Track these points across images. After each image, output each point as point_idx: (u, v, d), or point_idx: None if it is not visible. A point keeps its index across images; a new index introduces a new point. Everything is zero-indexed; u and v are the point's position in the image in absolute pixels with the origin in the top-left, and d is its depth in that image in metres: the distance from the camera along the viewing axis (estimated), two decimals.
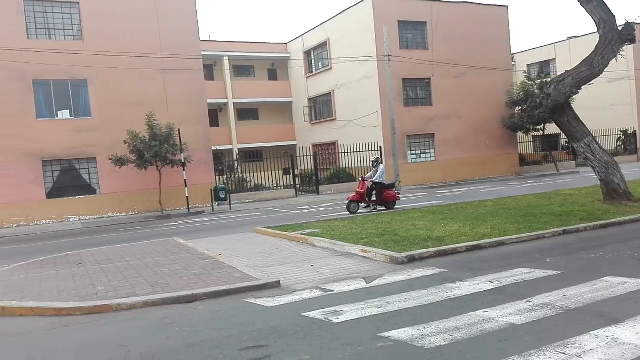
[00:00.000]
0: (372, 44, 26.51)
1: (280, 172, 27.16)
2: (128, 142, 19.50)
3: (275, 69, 36.22)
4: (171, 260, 9.02)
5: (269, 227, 12.62)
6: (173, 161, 20.29)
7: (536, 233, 9.37)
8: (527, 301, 5.41)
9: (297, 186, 26.20)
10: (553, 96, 12.96)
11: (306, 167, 27.17)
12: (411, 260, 7.88)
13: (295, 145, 33.20)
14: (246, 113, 34.96)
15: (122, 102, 21.22)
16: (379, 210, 15.34)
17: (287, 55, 35.04)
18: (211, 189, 21.95)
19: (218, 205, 22.18)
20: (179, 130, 20.45)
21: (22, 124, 19.91)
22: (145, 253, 10.15)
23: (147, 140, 19.53)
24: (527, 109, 28.47)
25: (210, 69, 31.92)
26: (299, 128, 34.83)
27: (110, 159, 19.68)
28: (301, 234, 11.00)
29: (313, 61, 33.31)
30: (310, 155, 27.11)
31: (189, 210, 21.03)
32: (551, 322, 4.74)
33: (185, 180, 20.94)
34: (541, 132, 30.66)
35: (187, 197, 21.11)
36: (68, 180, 21.05)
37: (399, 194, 16.56)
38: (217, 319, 5.63)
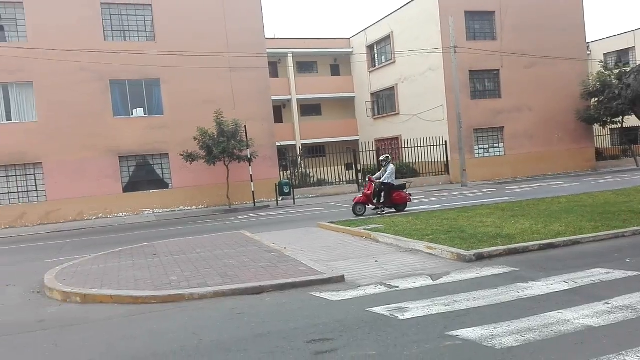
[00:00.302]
0: (437, 35, 25.93)
1: (343, 167, 27.23)
2: (198, 138, 20.27)
3: (338, 64, 36.28)
4: (239, 253, 9.29)
5: (332, 222, 12.70)
6: (240, 157, 20.87)
7: (615, 231, 8.84)
8: (605, 303, 5.13)
9: (360, 181, 26.14)
10: (633, 86, 12.10)
11: (369, 162, 27.06)
12: (479, 258, 7.67)
13: (357, 140, 33.14)
14: (309, 109, 35.28)
15: (192, 100, 22.06)
16: (386, 213, 14.48)
17: (350, 50, 34.99)
18: (276, 184, 22.38)
19: (282, 199, 22.58)
20: (245, 126, 21.00)
21: (100, 122, 21.17)
22: (214, 245, 10.52)
23: (216, 137, 20.21)
24: (604, 101, 26.87)
25: (274, 67, 32.48)
26: (361, 123, 34.72)
27: (181, 155, 20.53)
28: (364, 229, 10.99)
29: (376, 55, 33.05)
30: (373, 150, 26.95)
31: (254, 205, 21.55)
32: (631, 326, 4.47)
33: (251, 175, 21.49)
34: (619, 125, 28.81)
35: (252, 191, 21.66)
36: (142, 175, 22.18)
37: (410, 195, 15.64)
38: (284, 311, 5.75)
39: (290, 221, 15.49)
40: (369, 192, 14.85)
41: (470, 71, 26.28)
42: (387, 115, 31.79)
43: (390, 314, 5.28)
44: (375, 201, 14.80)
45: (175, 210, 22.11)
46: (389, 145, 30.59)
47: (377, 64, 32.83)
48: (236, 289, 6.68)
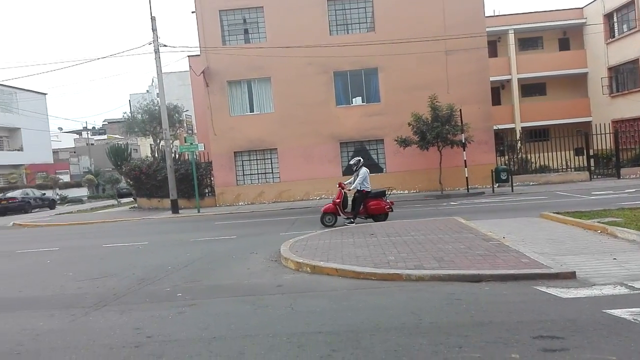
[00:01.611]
0: None
1: (571, 152, 24.50)
2: (412, 124, 20.53)
3: (567, 38, 32.52)
4: (454, 239, 9.19)
5: (558, 213, 11.60)
6: (453, 141, 20.48)
7: None
8: None
9: (592, 168, 23.25)
10: None
11: (603, 147, 23.84)
12: None
13: (589, 122, 29.41)
14: (531, 89, 32.53)
15: (407, 86, 22.40)
16: (361, 224, 12.56)
17: (583, 21, 31.03)
18: (492, 170, 21.36)
19: (498, 186, 21.45)
20: (460, 110, 20.48)
21: (325, 111, 23.02)
22: (429, 229, 10.59)
23: (429, 122, 20.17)
24: None
25: (493, 45, 30.75)
26: (594, 102, 30.65)
27: (396, 140, 21.08)
28: (599, 222, 9.77)
29: (615, 24, 28.71)
30: (610, 133, 23.61)
31: (468, 191, 20.95)
32: None
33: (465, 160, 20.92)
34: None
35: (466, 177, 21.07)
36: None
37: (392, 204, 13.51)
38: (505, 303, 5.52)
39: (508, 210, 14.65)
40: (339, 200, 13.11)
41: None
42: (628, 92, 27.46)
43: (634, 319, 4.64)
44: (346, 210, 13.19)
45: (389, 194, 22.79)
46: (631, 127, 26.39)
47: (616, 34, 28.53)
48: (453, 274, 6.64)
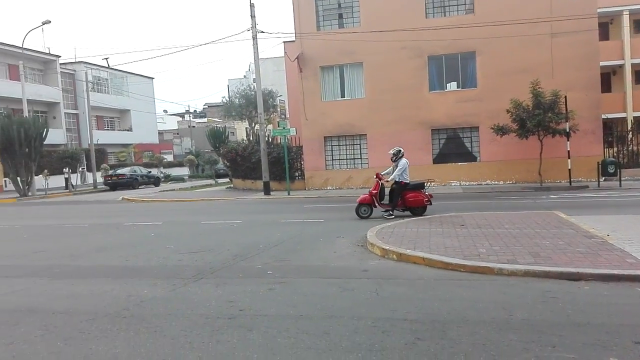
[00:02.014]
0: None
1: None
2: (510, 110, 19.52)
3: None
4: (552, 234, 8.69)
5: None
6: (556, 130, 19.22)
7: None
8: None
9: None
10: None
11: None
12: None
13: None
14: None
15: (507, 70, 21.30)
16: (396, 216, 12.09)
17: None
18: (598, 162, 19.81)
19: (604, 180, 19.90)
20: (565, 97, 19.15)
21: (416, 97, 22.55)
22: (524, 223, 10.10)
23: (530, 109, 19.06)
24: None
25: (604, 28, 28.35)
26: None
27: (492, 128, 20.16)
28: None
29: None
30: None
31: (570, 184, 19.64)
32: None
33: (568, 151, 19.60)
34: None
35: (569, 169, 19.76)
36: (452, 147, 22.77)
37: (430, 197, 12.83)
38: (606, 304, 5.17)
39: (614, 206, 13.57)
40: (376, 191, 12.68)
41: None
42: None
43: None
44: (382, 202, 12.70)
45: (481, 184, 22.03)
46: None
47: None
48: (550, 271, 6.31)
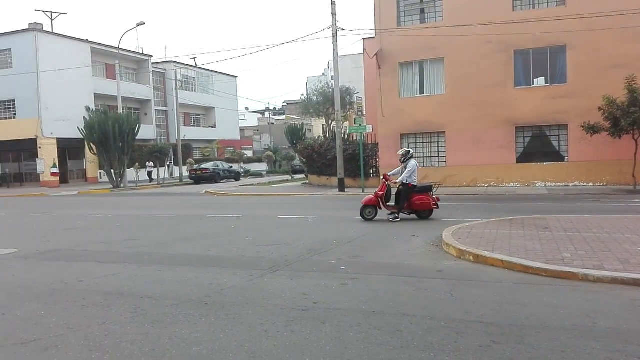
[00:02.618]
0: None
1: None
2: (603, 108, 18.27)
3: None
4: None
5: None
6: None
7: None
8: None
9: None
10: None
11: None
12: None
13: None
14: None
15: (600, 65, 19.97)
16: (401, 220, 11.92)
17: None
18: None
19: None
20: None
21: (500, 93, 21.71)
22: (614, 227, 9.46)
23: (625, 106, 17.74)
24: None
25: None
26: None
27: (582, 127, 19.00)
28: None
29: None
30: None
31: None
32: None
33: None
34: None
35: None
36: (537, 146, 21.70)
37: (438, 200, 12.36)
38: None
39: None
40: (382, 192, 12.23)
41: None
42: None
43: None
44: (388, 204, 12.31)
45: (569, 185, 20.82)
46: None
47: None
48: None
